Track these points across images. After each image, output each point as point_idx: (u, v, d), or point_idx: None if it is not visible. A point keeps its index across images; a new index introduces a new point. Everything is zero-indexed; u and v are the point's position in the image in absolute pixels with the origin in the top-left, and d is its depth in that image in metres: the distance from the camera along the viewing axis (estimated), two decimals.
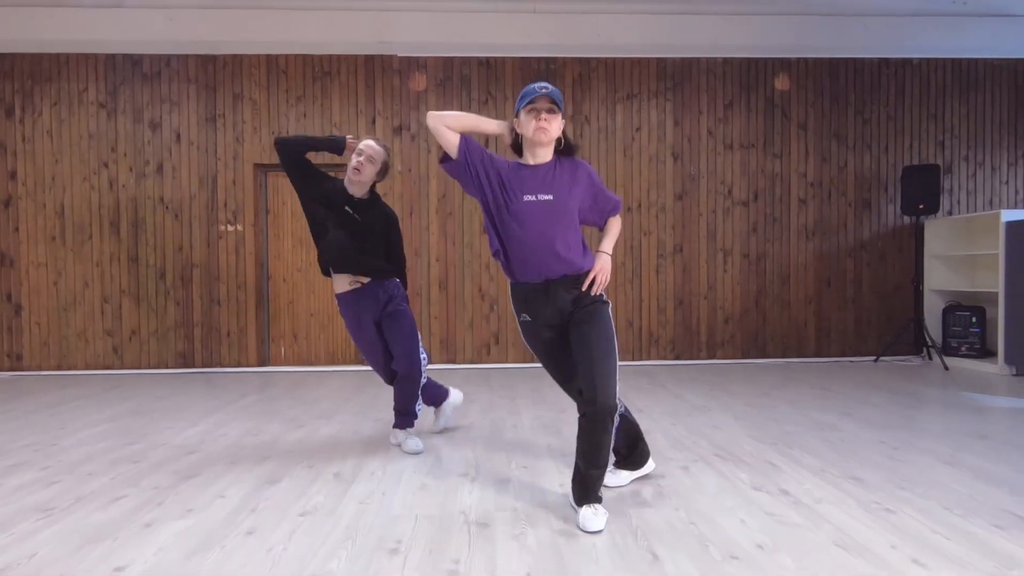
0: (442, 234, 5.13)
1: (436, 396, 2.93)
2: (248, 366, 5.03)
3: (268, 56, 5.02)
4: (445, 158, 2.00)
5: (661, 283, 5.23)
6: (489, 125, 2.02)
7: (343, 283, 2.69)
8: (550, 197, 1.91)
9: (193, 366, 5.03)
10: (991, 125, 5.34)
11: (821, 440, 2.78)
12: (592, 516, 1.80)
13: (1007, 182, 5.36)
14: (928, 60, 5.28)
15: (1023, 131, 5.33)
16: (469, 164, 1.96)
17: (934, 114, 5.32)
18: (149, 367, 5.01)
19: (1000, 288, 4.47)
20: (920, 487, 2.16)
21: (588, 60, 5.16)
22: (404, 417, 2.72)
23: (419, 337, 2.74)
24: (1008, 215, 4.45)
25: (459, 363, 5.13)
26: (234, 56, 5.00)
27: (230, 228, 5.03)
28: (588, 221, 2.05)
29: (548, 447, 2.73)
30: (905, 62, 5.29)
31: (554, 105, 1.90)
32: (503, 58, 5.12)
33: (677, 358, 5.24)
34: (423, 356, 2.73)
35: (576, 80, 5.17)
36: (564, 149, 1.99)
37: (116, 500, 2.10)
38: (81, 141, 4.97)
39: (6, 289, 4.96)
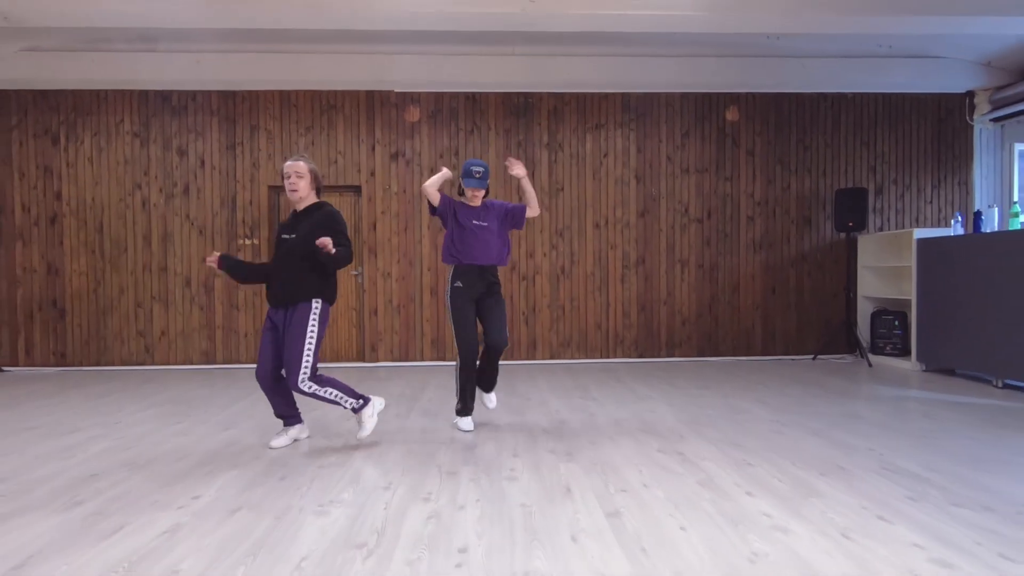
0: (433, 246, 5.84)
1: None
2: None
3: (281, 92, 5.73)
4: (433, 210, 3.35)
5: (626, 291, 5.95)
6: (441, 178, 3.29)
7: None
8: (486, 224, 3.31)
9: (214, 362, 5.74)
10: (916, 151, 6.06)
11: (728, 420, 3.50)
12: (494, 397, 3.48)
13: (931, 202, 6.08)
14: (861, 95, 6.00)
15: (944, 157, 6.05)
16: (445, 210, 3.30)
17: (866, 142, 6.04)
18: (176, 363, 5.72)
19: (913, 296, 5.19)
20: (783, 450, 2.87)
21: (562, 95, 5.87)
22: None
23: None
24: (919, 233, 5.17)
25: (448, 360, 5.84)
26: (251, 92, 5.72)
27: (247, 242, 5.74)
28: (511, 226, 3.39)
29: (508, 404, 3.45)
30: (841, 96, 6.00)
31: (483, 183, 3.28)
32: (487, 93, 5.84)
33: (640, 356, 5.95)
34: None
35: (551, 112, 5.89)
36: (487, 196, 3.42)
37: (182, 459, 2.81)
38: (117, 166, 5.69)
39: (52, 295, 5.68)
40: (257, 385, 4.73)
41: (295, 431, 3.10)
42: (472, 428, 3.33)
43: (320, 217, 2.93)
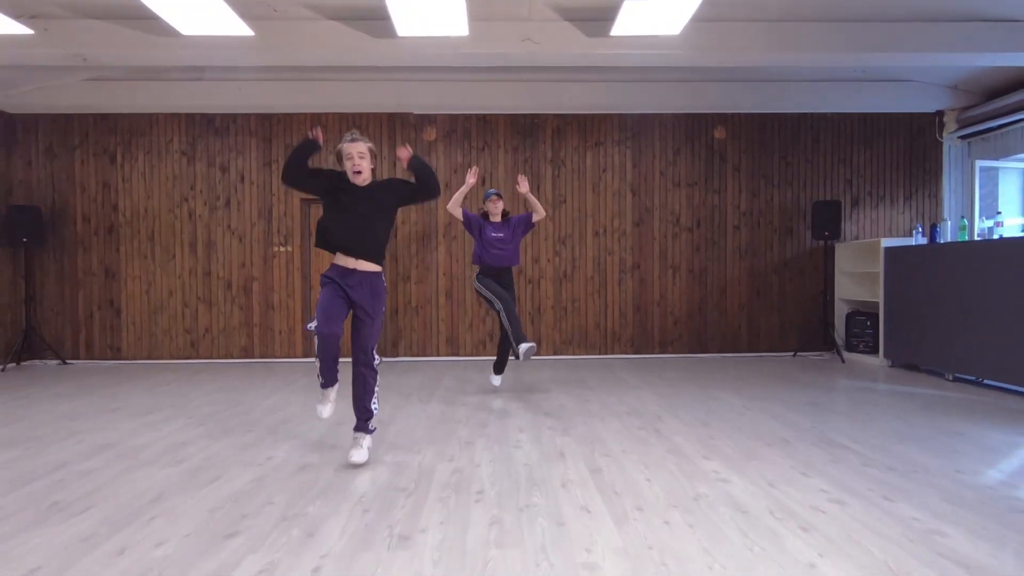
0: (448, 254, 6.47)
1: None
2: (295, 357, 6.40)
3: (313, 114, 6.39)
4: (465, 222, 4.35)
5: (622, 293, 6.55)
6: (462, 193, 4.19)
7: None
8: (502, 235, 4.31)
9: (253, 357, 6.41)
10: (890, 166, 6.61)
11: (703, 405, 4.09)
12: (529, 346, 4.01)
13: (903, 212, 6.63)
14: (839, 114, 6.56)
15: (915, 171, 6.60)
16: (470, 224, 4.32)
17: (844, 158, 6.60)
18: (219, 357, 6.39)
19: (880, 298, 5.75)
20: (741, 428, 3.47)
21: (564, 115, 6.48)
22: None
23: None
24: (886, 242, 5.72)
25: (461, 356, 6.46)
26: (286, 115, 6.38)
27: (282, 249, 6.40)
28: (524, 231, 4.41)
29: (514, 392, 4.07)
30: (820, 116, 6.57)
31: (500, 198, 4.34)
32: (497, 114, 6.46)
33: (636, 353, 6.55)
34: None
35: (555, 131, 6.50)
36: (505, 214, 4.41)
37: (249, 432, 3.46)
38: (167, 181, 6.37)
39: (109, 296, 6.37)
40: (286, 376, 5.37)
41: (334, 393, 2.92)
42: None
43: (384, 181, 2.85)
